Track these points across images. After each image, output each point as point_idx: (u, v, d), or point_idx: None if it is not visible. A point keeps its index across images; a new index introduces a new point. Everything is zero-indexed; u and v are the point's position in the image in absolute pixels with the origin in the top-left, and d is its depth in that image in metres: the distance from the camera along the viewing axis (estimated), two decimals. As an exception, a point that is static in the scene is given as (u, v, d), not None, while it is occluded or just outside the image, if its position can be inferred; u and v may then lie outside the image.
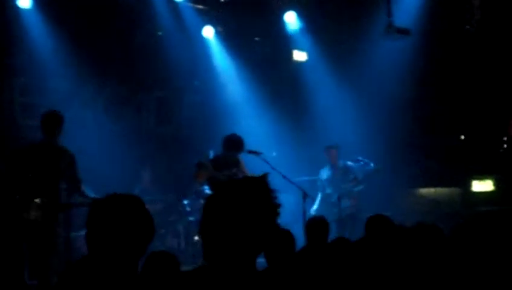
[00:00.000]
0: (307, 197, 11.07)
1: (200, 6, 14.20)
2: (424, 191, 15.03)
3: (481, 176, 14.98)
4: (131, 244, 3.40)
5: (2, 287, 7.97)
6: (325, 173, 13.15)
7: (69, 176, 8.77)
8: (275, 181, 10.70)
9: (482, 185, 14.96)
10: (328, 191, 12.96)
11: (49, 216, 8.43)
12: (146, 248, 3.50)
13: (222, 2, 14.16)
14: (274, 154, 13.05)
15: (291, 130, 14.91)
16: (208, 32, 14.63)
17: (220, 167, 10.91)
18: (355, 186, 12.78)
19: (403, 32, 12.70)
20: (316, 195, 12.95)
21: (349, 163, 12.88)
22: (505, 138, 15.81)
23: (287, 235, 6.43)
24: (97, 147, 12.63)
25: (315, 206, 12.80)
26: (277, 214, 3.14)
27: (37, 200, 8.37)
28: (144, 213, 3.51)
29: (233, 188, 3.09)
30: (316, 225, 7.54)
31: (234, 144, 11.01)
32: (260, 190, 3.12)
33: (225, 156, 11.09)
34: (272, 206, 3.13)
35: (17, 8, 12.33)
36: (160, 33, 14.30)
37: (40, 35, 12.66)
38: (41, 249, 8.37)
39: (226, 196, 3.06)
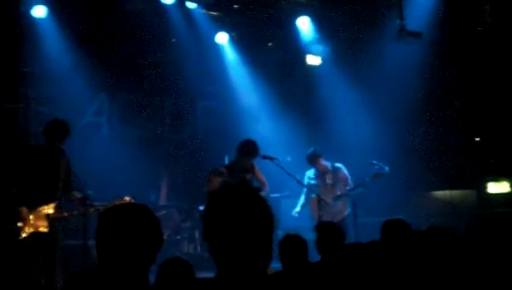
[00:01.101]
0: (321, 202, 11.02)
1: (214, 13, 14.20)
2: (440, 193, 14.94)
3: (497, 178, 14.91)
4: (139, 253, 3.41)
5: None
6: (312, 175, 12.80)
7: (65, 181, 8.85)
8: (290, 187, 10.77)
9: (498, 187, 14.87)
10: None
11: (53, 226, 8.53)
12: (155, 257, 3.50)
13: (235, 8, 14.15)
14: (289, 159, 13.06)
15: (305, 134, 14.91)
16: (222, 38, 14.64)
17: (234, 172, 10.94)
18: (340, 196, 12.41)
19: (415, 35, 12.71)
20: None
21: (338, 165, 12.54)
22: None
23: (299, 240, 6.41)
24: (111, 154, 12.76)
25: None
26: (272, 222, 3.07)
27: (40, 210, 8.45)
28: (151, 222, 3.52)
29: (228, 195, 3.09)
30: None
31: (249, 149, 10.98)
32: (255, 197, 3.08)
33: (239, 162, 11.09)
34: (268, 213, 3.07)
35: (32, 17, 12.39)
36: (173, 40, 14.34)
37: (54, 44, 12.75)
38: (48, 258, 8.52)
39: (221, 203, 3.06)
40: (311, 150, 12.29)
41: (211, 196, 3.12)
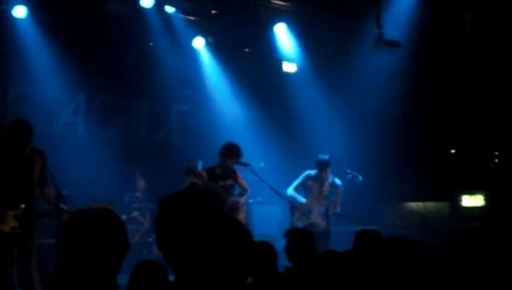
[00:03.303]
0: (294, 210, 10.95)
1: (191, 18, 14.26)
2: (413, 205, 14.95)
3: (471, 191, 14.92)
4: (104, 259, 3.34)
5: None
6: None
7: (39, 178, 8.75)
8: (263, 193, 10.71)
9: (472, 200, 14.89)
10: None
11: (26, 225, 8.44)
12: (120, 263, 3.42)
13: (213, 14, 14.16)
14: (262, 164, 13.03)
15: (279, 140, 14.92)
16: (199, 42, 14.66)
17: (215, 177, 10.98)
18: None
19: (393, 44, 12.68)
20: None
21: (338, 182, 12.59)
22: (496, 153, 15.78)
23: (268, 248, 6.26)
24: (87, 154, 12.85)
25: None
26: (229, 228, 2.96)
27: (13, 210, 8.35)
28: (115, 228, 3.45)
29: (179, 201, 3.00)
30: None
31: (232, 151, 11.04)
32: (209, 201, 2.98)
33: (222, 166, 11.13)
34: (224, 217, 2.97)
35: (12, 17, 12.41)
36: (151, 43, 14.42)
37: (33, 45, 12.77)
38: (23, 258, 8.46)
39: (172, 211, 2.98)
40: (327, 157, 12.44)
41: (161, 204, 3.00)
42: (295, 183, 12.40)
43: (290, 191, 12.19)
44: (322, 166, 12.38)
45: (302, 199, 12.22)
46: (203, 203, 2.95)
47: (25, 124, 8.72)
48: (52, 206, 8.66)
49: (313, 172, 12.45)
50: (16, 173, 8.54)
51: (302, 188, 12.44)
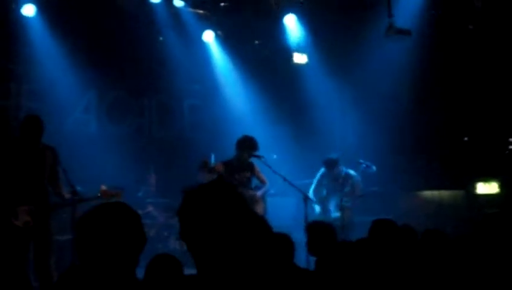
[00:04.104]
0: (308, 200, 10.91)
1: (200, 11, 14.29)
2: (428, 193, 14.90)
3: (486, 178, 14.85)
4: (122, 253, 3.32)
5: (8, 287, 7.97)
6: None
7: (51, 175, 8.75)
8: (276, 185, 10.65)
9: (487, 188, 14.82)
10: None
11: (40, 220, 8.43)
12: (138, 256, 3.40)
13: (222, 7, 14.17)
14: (275, 156, 13.04)
15: (291, 132, 14.95)
16: (208, 36, 14.65)
17: (232, 170, 10.94)
18: (347, 202, 12.55)
19: (404, 33, 12.61)
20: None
21: (351, 172, 12.70)
22: (510, 139, 15.68)
23: (285, 240, 6.22)
24: (99, 150, 12.86)
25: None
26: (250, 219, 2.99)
27: (25, 205, 8.36)
28: (133, 223, 3.43)
29: (203, 193, 3.01)
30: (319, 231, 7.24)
31: (247, 143, 11.01)
32: (231, 195, 2.99)
33: (239, 158, 11.09)
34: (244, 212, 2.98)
35: (22, 16, 12.47)
36: (161, 38, 14.42)
37: (43, 42, 12.83)
38: (39, 254, 8.45)
39: (197, 201, 3.00)
40: (334, 156, 12.66)
41: (186, 194, 3.02)
42: (313, 186, 12.61)
43: (311, 195, 12.32)
44: (329, 165, 12.57)
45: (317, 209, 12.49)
46: (228, 196, 2.96)
47: (37, 119, 8.71)
48: (65, 200, 8.67)
49: (325, 170, 12.57)
50: (28, 169, 8.54)
51: (320, 188, 12.57)
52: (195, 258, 2.93)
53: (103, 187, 8.77)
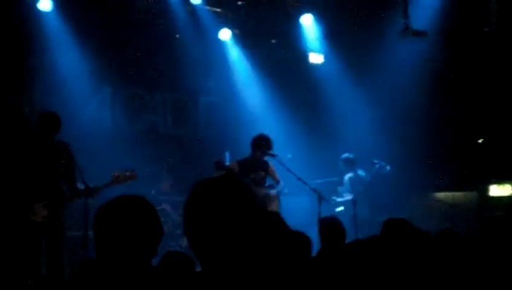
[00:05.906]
0: (322, 200, 10.93)
1: (217, 9, 14.29)
2: (441, 195, 14.86)
3: (499, 181, 14.81)
4: (139, 246, 3.36)
5: (20, 280, 8.04)
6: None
7: (65, 171, 8.82)
8: (290, 184, 10.66)
9: (500, 190, 14.78)
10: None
11: (56, 215, 8.53)
12: (155, 250, 3.44)
13: (239, 5, 14.19)
14: (289, 156, 13.04)
15: (306, 132, 14.91)
16: (225, 34, 14.65)
17: (246, 170, 10.97)
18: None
19: (420, 34, 12.64)
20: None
21: (361, 173, 12.94)
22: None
23: (304, 238, 6.26)
24: (114, 147, 12.78)
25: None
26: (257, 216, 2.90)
27: (40, 201, 8.42)
28: (150, 215, 3.46)
29: (210, 187, 2.92)
30: (330, 226, 7.36)
31: (262, 142, 11.03)
32: (244, 189, 2.92)
33: (254, 157, 11.13)
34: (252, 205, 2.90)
35: (38, 10, 12.48)
36: (177, 36, 14.39)
37: (60, 38, 12.81)
38: (52, 250, 8.55)
39: (203, 195, 2.91)
40: (351, 156, 13.24)
41: (193, 188, 2.92)
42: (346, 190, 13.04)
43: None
44: (351, 164, 12.98)
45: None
46: (236, 190, 2.89)
47: (53, 115, 8.76)
48: (79, 191, 8.73)
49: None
50: (44, 165, 8.59)
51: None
52: (196, 254, 2.87)
53: (115, 173, 8.87)
